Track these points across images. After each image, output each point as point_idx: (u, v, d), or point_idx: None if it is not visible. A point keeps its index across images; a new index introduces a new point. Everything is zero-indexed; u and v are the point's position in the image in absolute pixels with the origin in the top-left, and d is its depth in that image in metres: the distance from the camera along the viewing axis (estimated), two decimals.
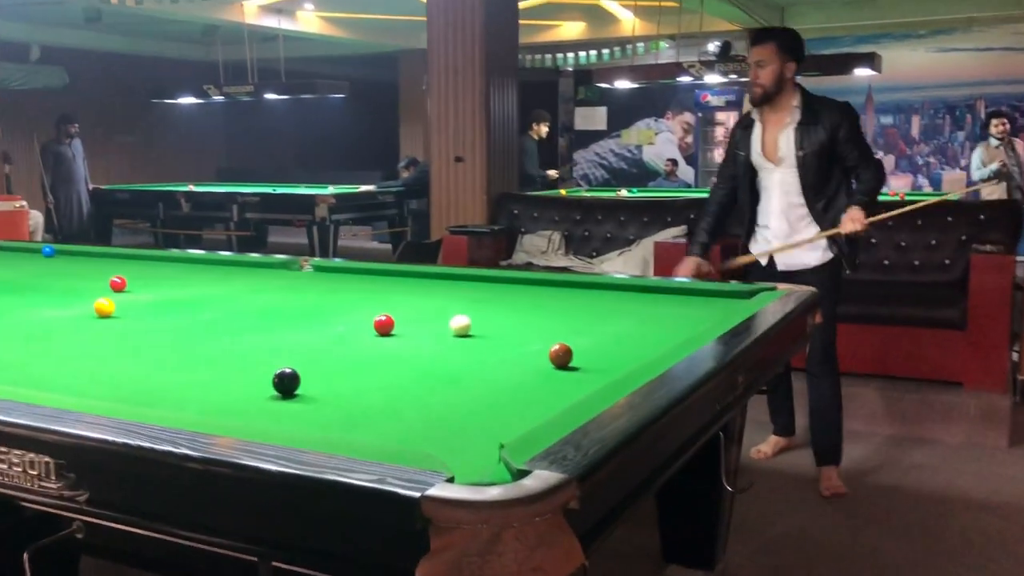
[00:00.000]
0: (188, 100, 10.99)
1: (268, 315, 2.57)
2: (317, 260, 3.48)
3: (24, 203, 7.81)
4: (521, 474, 1.18)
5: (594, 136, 13.24)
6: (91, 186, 10.01)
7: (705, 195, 4.16)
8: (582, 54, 11.18)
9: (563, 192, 8.28)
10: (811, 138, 3.30)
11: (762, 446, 3.84)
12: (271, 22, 10.43)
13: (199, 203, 9.67)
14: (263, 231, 10.59)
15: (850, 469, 3.59)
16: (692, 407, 1.63)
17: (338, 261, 3.50)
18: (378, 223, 11.04)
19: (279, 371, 1.70)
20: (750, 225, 3.53)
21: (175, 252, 3.87)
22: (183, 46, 12.50)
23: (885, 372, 4.30)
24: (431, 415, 1.60)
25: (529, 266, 5.35)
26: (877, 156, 3.59)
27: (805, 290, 2.67)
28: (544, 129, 8.51)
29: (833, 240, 3.36)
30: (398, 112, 13.08)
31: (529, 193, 6.58)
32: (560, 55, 11.43)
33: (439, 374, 1.89)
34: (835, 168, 3.35)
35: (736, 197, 3.56)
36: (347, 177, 11.80)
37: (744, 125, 3.54)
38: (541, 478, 1.15)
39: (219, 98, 10.45)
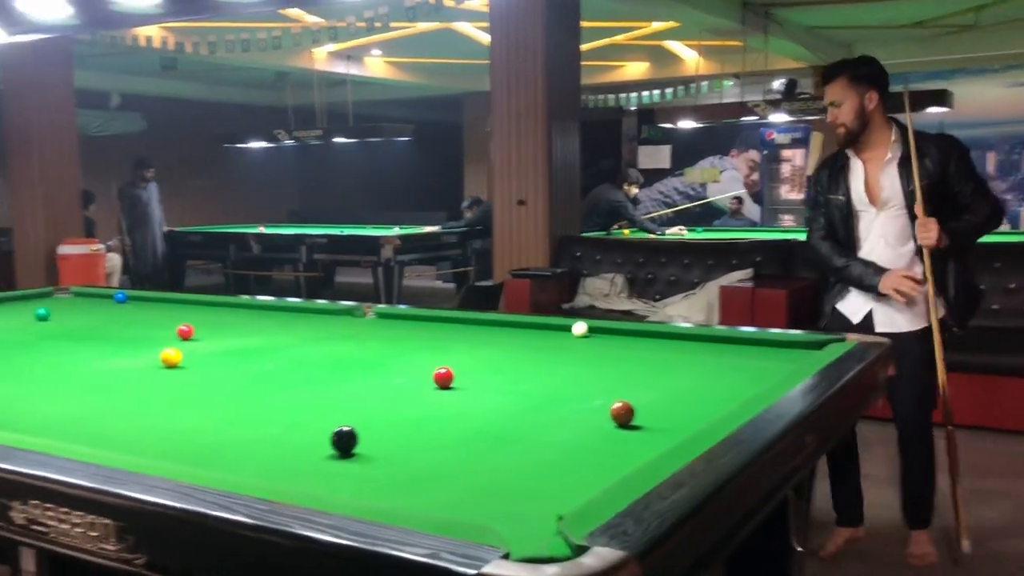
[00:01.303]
0: (259, 144, 11.29)
1: (329, 365, 2.58)
2: (381, 307, 3.50)
3: (101, 246, 8.05)
4: (580, 550, 1.14)
5: (658, 175, 13.18)
6: (166, 228, 10.31)
7: (773, 235, 4.06)
8: (645, 93, 11.16)
9: (626, 233, 8.24)
10: (918, 173, 2.98)
11: (827, 542, 3.24)
12: (339, 68, 10.69)
13: (269, 244, 9.88)
14: (331, 271, 10.76)
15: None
16: (760, 473, 1.57)
17: (401, 308, 3.51)
18: (442, 263, 11.15)
19: (337, 430, 1.69)
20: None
21: (243, 298, 3.93)
22: (255, 92, 12.86)
23: (996, 424, 4.07)
24: (488, 478, 1.57)
25: (591, 309, 5.31)
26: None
27: (878, 341, 2.58)
28: (635, 190, 8.46)
29: (944, 298, 3.03)
30: (462, 153, 13.24)
31: (590, 236, 6.55)
32: (623, 95, 11.44)
33: (497, 432, 1.86)
34: (946, 208, 3.00)
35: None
36: (412, 218, 11.96)
37: (835, 166, 3.19)
38: (600, 556, 1.11)
39: (289, 142, 10.71)
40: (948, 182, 3.01)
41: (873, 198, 3.10)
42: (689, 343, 2.85)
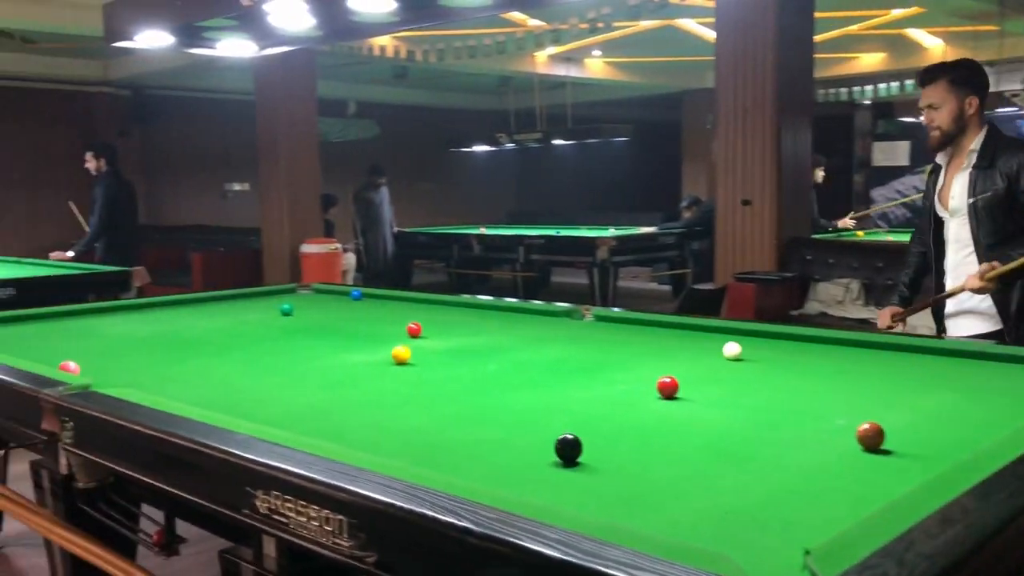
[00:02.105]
0: (481, 148, 11.62)
1: (551, 368, 2.55)
2: (599, 310, 3.45)
3: (339, 246, 8.58)
4: None
5: (895, 172, 12.28)
6: (395, 229, 10.85)
7: None
8: (882, 86, 10.43)
9: (860, 235, 7.72)
10: (985, 183, 2.94)
11: None
12: (560, 70, 10.79)
13: (489, 245, 10.13)
14: (547, 272, 10.88)
15: None
16: None
17: (620, 312, 3.44)
18: (658, 264, 10.97)
19: (562, 437, 1.65)
20: (937, 280, 3.19)
21: (465, 298, 4.01)
22: (478, 97, 13.27)
23: None
24: (721, 500, 1.46)
25: (823, 317, 5.00)
26: None
27: None
28: (820, 174, 7.93)
29: (1001, 307, 2.98)
30: (680, 152, 12.98)
31: (824, 237, 6.18)
32: (857, 87, 10.75)
33: (729, 450, 1.75)
34: (1014, 219, 2.94)
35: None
36: (629, 218, 11.87)
37: (933, 171, 3.21)
38: None
39: (509, 145, 10.95)
40: (1018, 195, 2.92)
41: (945, 204, 3.10)
42: (938, 358, 2.57)
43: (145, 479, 1.85)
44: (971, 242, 3.02)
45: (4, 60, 9.51)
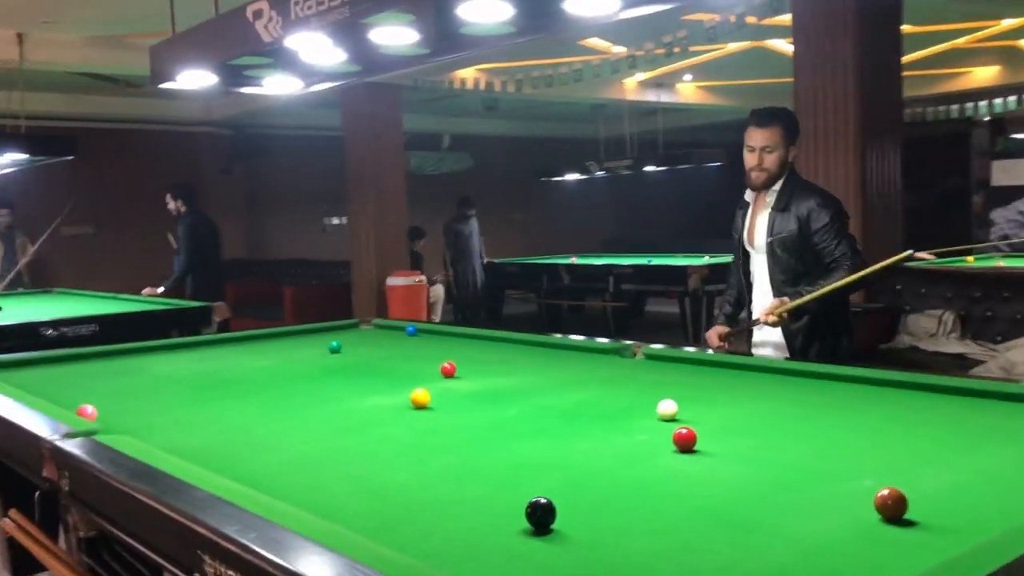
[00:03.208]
0: (572, 176, 11.51)
1: (571, 415, 2.39)
2: (649, 348, 3.27)
3: (422, 278, 8.60)
4: None
5: (1017, 192, 11.51)
6: (485, 260, 10.84)
7: None
8: (997, 101, 9.81)
9: (970, 260, 7.19)
10: (782, 224, 3.15)
11: None
12: (651, 96, 10.60)
13: (579, 275, 9.98)
14: (641, 301, 10.64)
15: None
16: None
17: (670, 350, 3.24)
18: None
19: (533, 501, 1.50)
20: (748, 309, 3.41)
21: (521, 335, 3.86)
22: (569, 126, 13.21)
23: None
24: None
25: (914, 351, 4.63)
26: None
27: None
28: None
29: (789, 340, 3.22)
30: None
31: (916, 266, 5.76)
32: (970, 104, 10.14)
33: (730, 516, 1.55)
34: (804, 260, 3.15)
35: None
36: (728, 246, 11.49)
37: (740, 207, 3.41)
38: None
39: (600, 173, 10.80)
40: (810, 237, 3.11)
41: (751, 240, 3.30)
42: (1017, 405, 2.28)
43: (117, 533, 1.79)
44: (769, 278, 3.23)
45: (114, 104, 10.01)
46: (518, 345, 3.68)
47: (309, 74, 3.41)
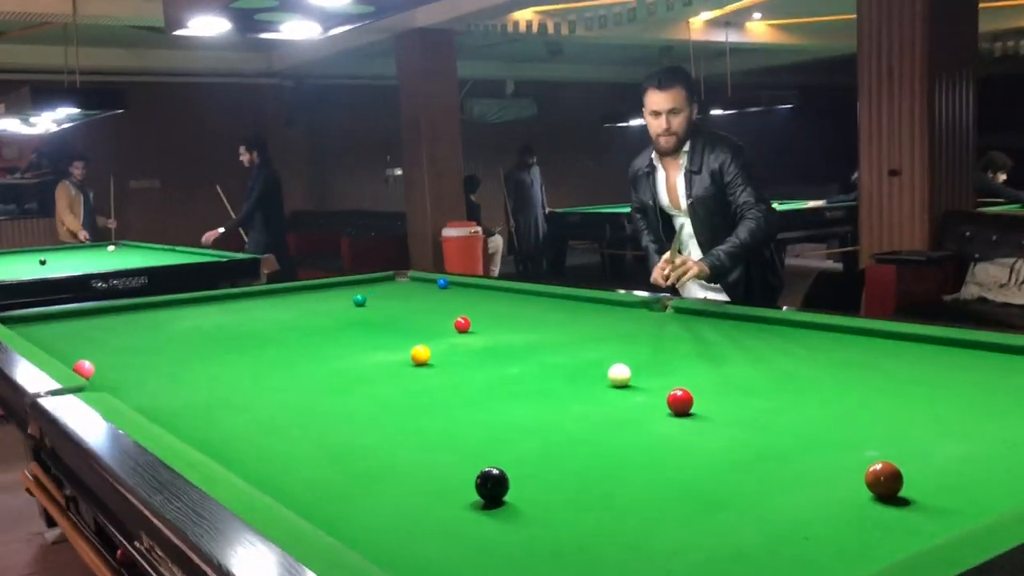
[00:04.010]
0: (637, 122, 11.16)
1: (574, 374, 2.25)
2: (678, 301, 3.10)
3: (478, 229, 8.47)
4: None
5: None
6: (547, 210, 10.64)
7: None
8: None
9: None
10: (698, 184, 3.09)
11: None
12: (718, 36, 10.15)
13: None
14: None
15: None
16: None
17: (699, 303, 3.06)
18: (831, 241, 10.18)
19: (483, 472, 1.38)
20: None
21: (549, 287, 3.72)
22: (635, 70, 12.78)
23: None
24: (639, 570, 1.14)
25: (982, 303, 4.32)
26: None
27: None
28: (1001, 177, 6.88)
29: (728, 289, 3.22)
30: (855, 118, 11.92)
31: (989, 211, 5.37)
32: None
33: (705, 491, 1.39)
34: (724, 214, 3.10)
35: None
36: (801, 192, 11.08)
37: (643, 172, 3.33)
38: None
39: None
40: (724, 190, 3.05)
41: (675, 203, 3.23)
42: None
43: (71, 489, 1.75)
44: (695, 238, 3.19)
45: (175, 58, 10.07)
46: (548, 298, 3.55)
47: (323, 17, 3.28)
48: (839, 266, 9.79)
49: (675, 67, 3.22)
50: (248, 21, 3.28)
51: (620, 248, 10.18)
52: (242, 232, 7.49)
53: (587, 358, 2.43)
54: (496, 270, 9.91)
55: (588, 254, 11.66)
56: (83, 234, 8.34)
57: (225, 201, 7.85)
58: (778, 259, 3.49)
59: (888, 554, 1.11)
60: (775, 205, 9.02)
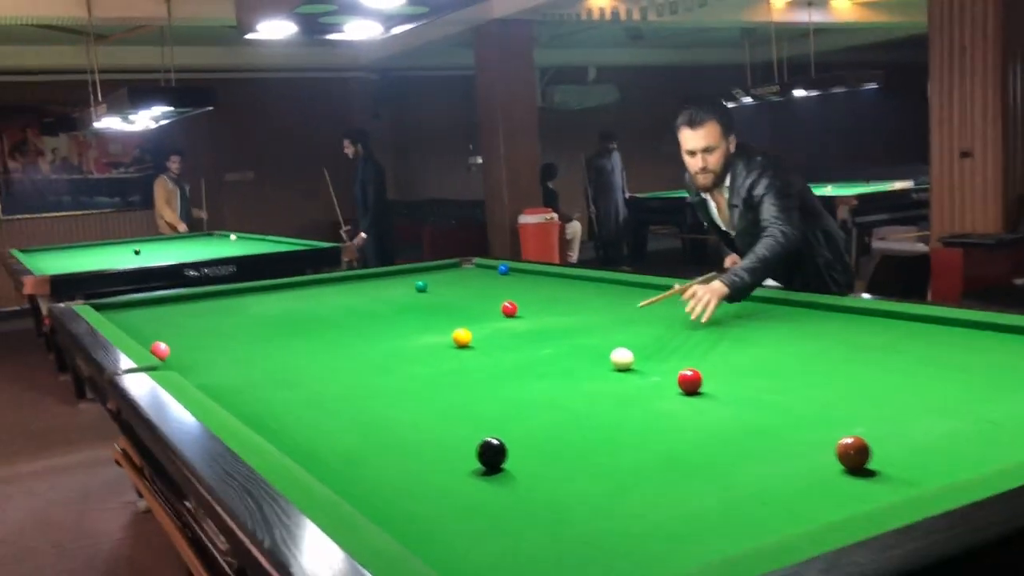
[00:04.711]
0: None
1: (601, 355, 2.35)
2: None
3: (554, 215, 8.58)
4: None
5: None
6: (628, 195, 10.67)
7: None
8: None
9: None
10: (739, 217, 3.05)
11: None
12: (801, 17, 9.97)
13: None
14: None
15: None
16: None
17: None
18: (923, 223, 9.92)
19: (484, 441, 1.52)
20: None
21: (608, 273, 3.83)
22: (717, 52, 12.64)
23: None
24: (610, 526, 1.26)
25: None
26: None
27: None
28: None
29: None
30: None
31: None
32: None
33: (683, 460, 1.51)
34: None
35: None
36: (888, 173, 10.82)
37: (697, 201, 3.29)
38: None
39: (747, 100, 10.31)
40: (759, 214, 2.95)
41: (730, 228, 3.17)
42: None
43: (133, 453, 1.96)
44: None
45: (265, 55, 10.49)
46: (604, 284, 3.65)
47: (382, 18, 3.46)
48: (914, 247, 9.54)
49: (707, 101, 3.14)
50: (313, 24, 3.48)
51: (701, 233, 10.13)
52: (342, 227, 7.81)
53: (619, 340, 2.52)
54: (574, 256, 10.01)
55: (669, 239, 11.63)
56: (182, 226, 8.83)
57: (330, 186, 8.07)
58: (848, 257, 3.36)
59: (836, 515, 1.20)
60: (858, 190, 8.85)
